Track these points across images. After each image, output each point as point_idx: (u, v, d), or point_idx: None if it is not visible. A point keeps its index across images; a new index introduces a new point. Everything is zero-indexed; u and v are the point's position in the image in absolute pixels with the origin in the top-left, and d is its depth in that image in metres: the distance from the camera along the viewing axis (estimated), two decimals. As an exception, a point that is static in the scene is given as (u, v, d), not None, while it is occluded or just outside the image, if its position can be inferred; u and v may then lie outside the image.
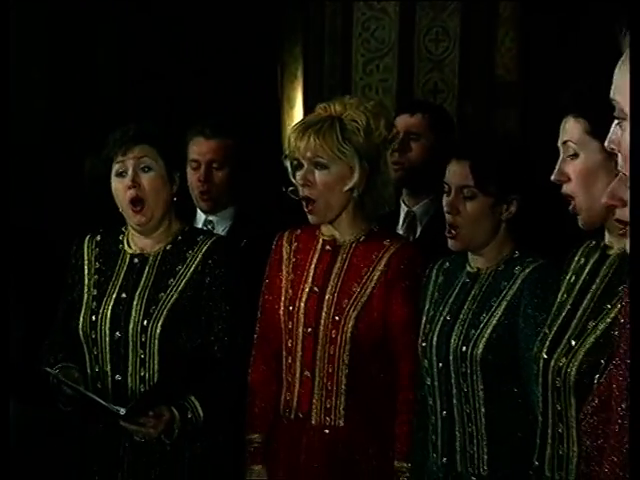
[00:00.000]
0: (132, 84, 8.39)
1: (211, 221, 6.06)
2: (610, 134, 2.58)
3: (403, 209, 6.19)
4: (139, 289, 4.91)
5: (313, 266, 4.82)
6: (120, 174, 4.86)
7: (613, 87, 2.55)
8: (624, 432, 2.37)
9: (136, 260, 4.95)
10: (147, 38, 8.64)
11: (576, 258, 3.96)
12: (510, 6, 7.85)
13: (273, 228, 5.07)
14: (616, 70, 2.54)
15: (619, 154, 2.59)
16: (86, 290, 4.95)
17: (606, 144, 2.63)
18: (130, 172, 4.84)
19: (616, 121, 2.56)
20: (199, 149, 5.96)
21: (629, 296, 2.48)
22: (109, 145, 4.91)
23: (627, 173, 2.57)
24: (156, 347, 4.83)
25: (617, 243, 3.77)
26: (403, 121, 6.19)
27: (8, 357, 4.13)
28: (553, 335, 3.86)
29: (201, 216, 6.08)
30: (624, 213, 3.19)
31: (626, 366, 2.38)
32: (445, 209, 4.49)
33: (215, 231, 5.41)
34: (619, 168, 2.64)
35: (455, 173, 4.46)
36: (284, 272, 4.88)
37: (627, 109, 2.50)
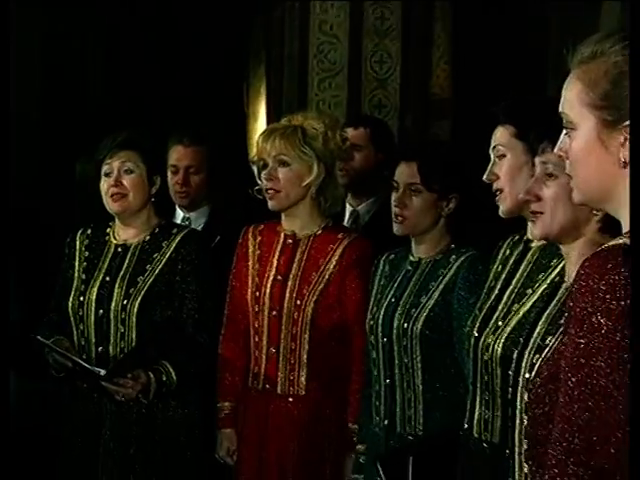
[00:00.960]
0: (119, 99, 8.35)
1: (188, 218, 6.06)
2: (559, 143, 2.57)
3: (348, 209, 6.25)
4: (121, 273, 4.94)
5: (276, 257, 4.86)
6: (107, 174, 4.90)
7: (562, 101, 2.55)
8: (574, 402, 2.32)
9: (120, 249, 4.99)
10: (133, 59, 8.61)
11: (502, 250, 3.96)
12: (444, 34, 7.87)
13: (242, 224, 5.07)
14: (564, 86, 2.55)
15: (567, 160, 2.57)
16: (76, 275, 4.99)
17: (556, 150, 2.60)
18: (115, 173, 4.88)
19: (565, 131, 2.56)
20: (177, 156, 5.98)
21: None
22: (100, 149, 4.95)
23: (572, 176, 2.56)
24: (134, 323, 4.86)
25: (531, 233, 3.72)
26: (348, 134, 6.25)
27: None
28: (483, 316, 3.86)
29: (179, 214, 6.10)
30: (537, 206, 3.35)
31: (576, 345, 2.32)
32: (394, 203, 4.52)
33: (192, 226, 5.42)
34: (567, 171, 2.61)
35: (404, 173, 4.52)
36: (250, 262, 4.90)
37: (575, 120, 2.51)
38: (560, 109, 2.56)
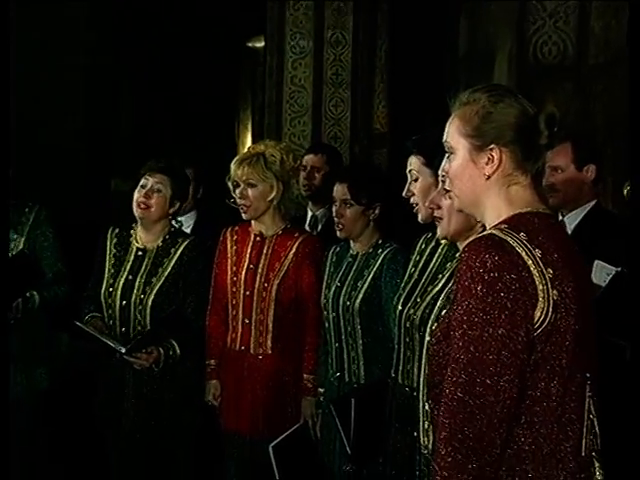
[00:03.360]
0: (140, 134, 8.32)
1: (180, 221, 5.86)
2: (442, 164, 2.65)
3: (309, 213, 6.23)
4: (140, 273, 4.88)
5: (248, 251, 4.85)
6: (142, 186, 4.84)
7: (446, 133, 2.61)
8: (459, 348, 2.36)
9: (140, 252, 4.92)
10: (153, 102, 8.60)
11: (419, 244, 3.97)
12: (383, 84, 7.90)
13: (221, 227, 5.07)
14: (448, 122, 2.61)
15: (447, 177, 2.64)
16: (107, 268, 4.93)
17: (439, 172, 2.71)
18: (147, 189, 4.83)
19: (446, 155, 2.63)
20: None
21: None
22: (145, 167, 4.90)
23: (451, 189, 2.62)
24: (148, 313, 4.83)
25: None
26: (310, 158, 6.26)
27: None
28: (405, 295, 3.88)
29: None
30: (438, 212, 3.38)
31: (460, 306, 2.38)
32: (334, 214, 4.57)
33: (183, 228, 5.30)
34: (446, 187, 2.69)
35: (339, 191, 4.55)
36: (228, 255, 4.89)
37: (455, 146, 2.57)
38: (444, 139, 2.63)
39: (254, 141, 8.26)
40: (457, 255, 3.61)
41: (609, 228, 4.38)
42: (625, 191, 6.23)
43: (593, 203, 4.31)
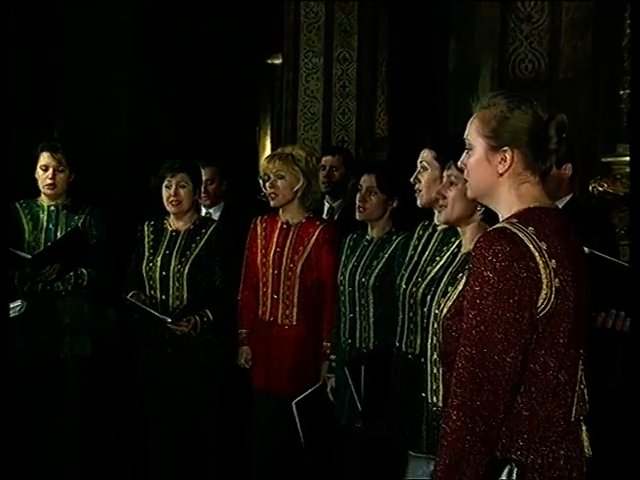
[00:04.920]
0: (174, 139, 8.31)
1: (210, 212, 5.97)
2: (462, 158, 2.57)
3: (326, 205, 6.21)
4: (175, 248, 4.86)
5: (276, 237, 4.82)
6: (167, 187, 4.83)
7: (467, 131, 2.56)
8: (472, 327, 2.35)
9: (174, 233, 4.90)
10: (187, 114, 8.59)
11: (417, 230, 3.94)
12: (383, 95, 7.91)
13: (247, 216, 5.06)
14: (469, 122, 2.55)
15: (466, 169, 2.58)
16: (146, 249, 4.90)
17: (459, 163, 2.60)
18: (173, 188, 4.82)
19: (466, 150, 2.57)
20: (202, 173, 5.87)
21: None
22: (163, 169, 4.87)
23: (468, 180, 2.57)
24: (185, 282, 4.80)
25: (438, 220, 3.73)
26: (328, 159, 6.29)
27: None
28: (407, 274, 3.84)
29: (203, 210, 5.96)
30: (443, 202, 3.35)
31: (473, 291, 2.36)
32: (358, 199, 4.48)
33: (212, 217, 5.34)
34: (464, 176, 2.62)
35: (366, 180, 4.46)
36: (259, 240, 4.86)
37: (473, 144, 2.52)
38: (465, 136, 2.57)
39: (273, 144, 8.30)
40: (453, 239, 3.60)
41: (583, 217, 4.32)
42: (590, 187, 6.19)
43: (570, 196, 4.24)
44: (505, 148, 2.47)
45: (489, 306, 2.33)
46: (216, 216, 5.94)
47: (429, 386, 3.47)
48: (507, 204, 2.50)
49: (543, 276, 2.35)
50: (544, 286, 2.35)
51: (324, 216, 6.06)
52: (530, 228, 2.38)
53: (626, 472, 2.96)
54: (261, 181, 4.84)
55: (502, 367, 2.31)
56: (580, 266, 2.48)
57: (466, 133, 2.56)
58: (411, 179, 3.80)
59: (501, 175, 2.49)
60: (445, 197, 3.36)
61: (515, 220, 2.41)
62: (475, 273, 2.36)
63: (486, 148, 2.50)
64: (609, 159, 6.18)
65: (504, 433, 2.37)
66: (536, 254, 2.35)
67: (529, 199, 2.48)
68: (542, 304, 2.35)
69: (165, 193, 4.84)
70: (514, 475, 2.33)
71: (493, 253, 2.34)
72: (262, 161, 4.85)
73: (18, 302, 4.53)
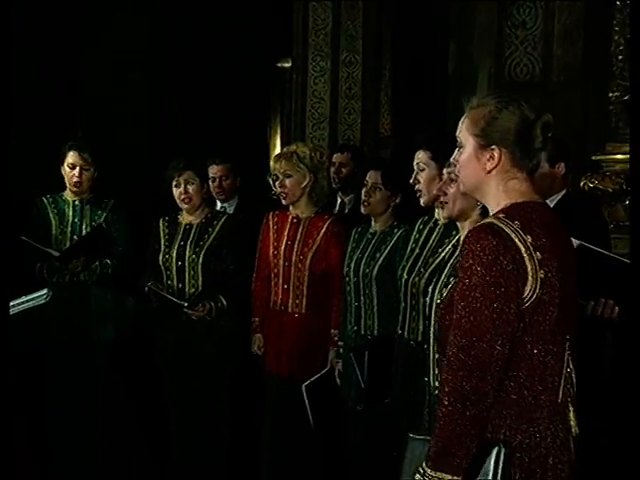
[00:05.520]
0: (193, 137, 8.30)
1: (224, 207, 5.94)
2: (454, 155, 2.56)
3: (338, 200, 6.21)
4: (189, 240, 4.87)
5: (287, 230, 4.80)
6: (176, 186, 4.85)
7: (458, 130, 2.55)
8: (461, 317, 2.35)
9: (187, 226, 4.91)
10: (202, 114, 8.60)
11: (417, 225, 3.93)
12: (387, 98, 7.90)
13: (260, 211, 5.06)
14: (460, 121, 2.54)
15: (457, 166, 2.58)
16: (162, 242, 4.91)
17: (452, 159, 2.59)
18: (182, 186, 4.84)
19: (457, 148, 2.56)
20: (213, 171, 5.82)
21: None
22: (170, 169, 4.89)
23: (459, 175, 2.57)
24: (199, 271, 4.82)
25: (440, 215, 3.74)
26: (338, 156, 6.29)
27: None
28: (409, 265, 3.84)
29: (218, 204, 5.95)
30: (444, 198, 3.34)
31: (463, 283, 2.36)
32: (363, 194, 4.47)
33: (227, 211, 5.37)
34: (456, 172, 2.62)
35: (372, 176, 4.45)
36: (271, 233, 4.84)
37: (463, 142, 2.51)
38: (457, 134, 2.56)
39: (282, 142, 8.29)
40: (454, 233, 3.58)
41: (574, 212, 4.31)
42: (582, 183, 6.18)
43: (563, 193, 4.22)
44: (493, 147, 2.46)
45: (477, 297, 2.33)
46: (231, 210, 5.92)
47: (431, 371, 3.46)
48: (495, 199, 2.49)
49: (529, 268, 2.34)
50: (529, 277, 2.34)
51: (336, 210, 6.05)
52: (516, 222, 2.37)
53: (616, 452, 2.96)
54: (271, 180, 4.83)
55: (490, 354, 2.31)
56: (566, 257, 2.46)
57: (458, 131, 2.55)
58: (410, 181, 3.79)
59: (489, 172, 2.48)
60: (446, 193, 3.34)
61: (502, 215, 2.41)
62: (464, 266, 2.36)
63: (475, 146, 2.49)
64: (599, 157, 6.20)
65: (494, 415, 2.37)
66: (521, 247, 2.34)
67: (516, 195, 2.47)
68: (528, 294, 2.35)
69: (175, 192, 4.86)
70: (502, 455, 2.33)
71: (480, 247, 2.33)
72: (271, 161, 4.81)
73: (44, 291, 4.53)
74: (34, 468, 5.13)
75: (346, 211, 6.14)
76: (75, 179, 5.20)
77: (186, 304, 4.69)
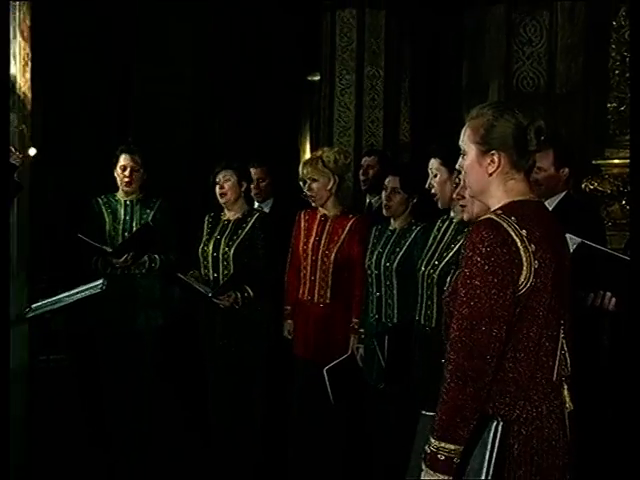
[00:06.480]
0: (230, 144, 8.29)
1: (261, 206, 5.94)
2: (459, 162, 2.57)
3: (367, 201, 6.18)
4: (225, 234, 4.87)
5: (315, 228, 4.81)
6: (216, 183, 4.87)
7: (460, 139, 2.55)
8: (462, 303, 2.36)
9: (226, 222, 4.92)
10: (241, 120, 8.61)
11: (438, 223, 3.95)
12: (406, 107, 7.90)
13: (294, 210, 5.05)
14: (462, 131, 2.55)
15: (463, 171, 2.59)
16: (204, 235, 4.92)
17: (457, 166, 2.60)
18: (221, 182, 4.86)
19: (461, 155, 2.57)
20: (254, 173, 5.77)
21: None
22: (215, 170, 4.90)
23: (465, 180, 2.57)
24: (231, 262, 4.81)
25: (456, 216, 3.76)
26: (366, 160, 6.25)
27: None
28: (427, 259, 3.85)
29: (256, 204, 5.95)
30: (463, 201, 3.22)
31: (464, 273, 2.37)
32: (383, 198, 4.47)
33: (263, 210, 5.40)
34: (461, 177, 2.64)
35: (391, 181, 4.43)
36: (302, 230, 4.85)
37: (466, 149, 2.52)
38: (460, 142, 2.56)
39: (312, 149, 8.27)
40: (465, 230, 3.54)
41: (575, 210, 4.30)
42: (583, 185, 6.16)
43: (564, 193, 4.21)
44: (493, 152, 2.48)
45: (477, 285, 2.34)
46: (267, 210, 5.90)
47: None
48: (497, 199, 2.50)
49: (524, 258, 2.35)
50: (524, 267, 2.36)
51: (365, 210, 6.01)
52: (513, 218, 2.39)
53: (612, 430, 2.96)
54: (301, 183, 4.82)
55: (489, 336, 2.33)
56: (558, 249, 2.48)
57: (460, 140, 2.56)
58: (426, 186, 3.80)
59: (491, 175, 2.49)
60: (464, 197, 3.34)
61: (500, 212, 2.43)
62: (466, 257, 2.38)
63: (477, 153, 2.50)
64: (598, 161, 6.20)
65: (494, 392, 2.38)
66: (517, 240, 2.36)
67: (515, 193, 2.49)
68: (523, 282, 2.36)
69: (216, 189, 4.88)
70: (499, 428, 2.35)
71: (480, 240, 2.35)
72: (299, 168, 4.82)
73: (100, 281, 4.59)
74: (94, 448, 5.19)
75: (373, 209, 6.04)
76: (126, 180, 5.22)
77: (210, 293, 4.68)
